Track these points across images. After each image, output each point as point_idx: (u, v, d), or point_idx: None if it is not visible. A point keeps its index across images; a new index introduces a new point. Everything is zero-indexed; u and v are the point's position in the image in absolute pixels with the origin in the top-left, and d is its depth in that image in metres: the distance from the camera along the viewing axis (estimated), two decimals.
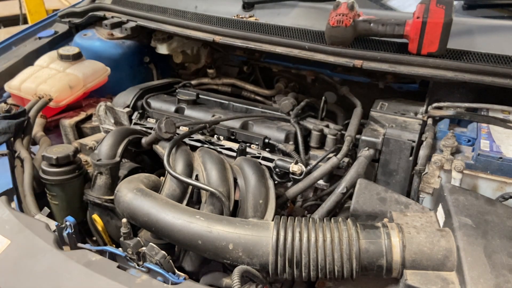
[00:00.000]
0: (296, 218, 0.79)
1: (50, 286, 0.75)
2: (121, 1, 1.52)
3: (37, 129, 1.27)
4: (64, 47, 1.38)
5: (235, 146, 1.16)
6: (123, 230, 0.85)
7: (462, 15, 1.19)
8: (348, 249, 0.71)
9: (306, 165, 1.10)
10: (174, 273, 0.79)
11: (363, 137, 1.06)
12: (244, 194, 0.98)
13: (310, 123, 1.22)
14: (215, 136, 1.21)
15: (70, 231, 0.87)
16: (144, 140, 1.15)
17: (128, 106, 1.33)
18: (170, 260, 0.80)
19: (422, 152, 0.97)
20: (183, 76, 1.71)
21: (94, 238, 1.11)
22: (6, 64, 1.40)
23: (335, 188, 1.00)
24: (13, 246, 0.82)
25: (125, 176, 1.08)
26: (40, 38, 1.53)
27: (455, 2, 1.07)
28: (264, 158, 1.13)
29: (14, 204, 0.97)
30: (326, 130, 1.17)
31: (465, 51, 1.03)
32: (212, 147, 1.17)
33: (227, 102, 1.39)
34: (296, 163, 1.07)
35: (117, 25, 1.46)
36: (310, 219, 0.78)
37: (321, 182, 1.12)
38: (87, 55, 1.41)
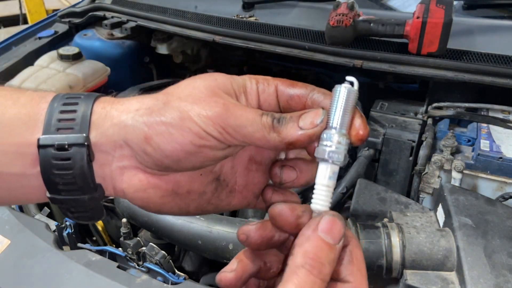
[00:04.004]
0: None
1: (50, 286, 0.75)
2: (121, 1, 1.52)
3: None
4: (64, 47, 1.38)
5: None
6: (123, 230, 0.85)
7: (462, 15, 1.19)
8: None
9: None
10: (174, 273, 0.79)
11: None
12: None
13: None
14: None
15: (70, 231, 0.87)
16: None
17: None
18: (170, 260, 0.80)
19: (422, 152, 0.97)
20: (183, 76, 1.71)
21: (94, 238, 1.11)
22: (6, 64, 1.39)
23: (335, 188, 1.00)
24: (13, 246, 0.82)
25: None
26: (40, 38, 1.52)
27: (455, 2, 1.07)
28: None
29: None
30: None
31: (465, 51, 1.03)
32: None
33: None
34: None
35: (117, 25, 1.46)
36: None
37: None
38: (87, 55, 1.41)
